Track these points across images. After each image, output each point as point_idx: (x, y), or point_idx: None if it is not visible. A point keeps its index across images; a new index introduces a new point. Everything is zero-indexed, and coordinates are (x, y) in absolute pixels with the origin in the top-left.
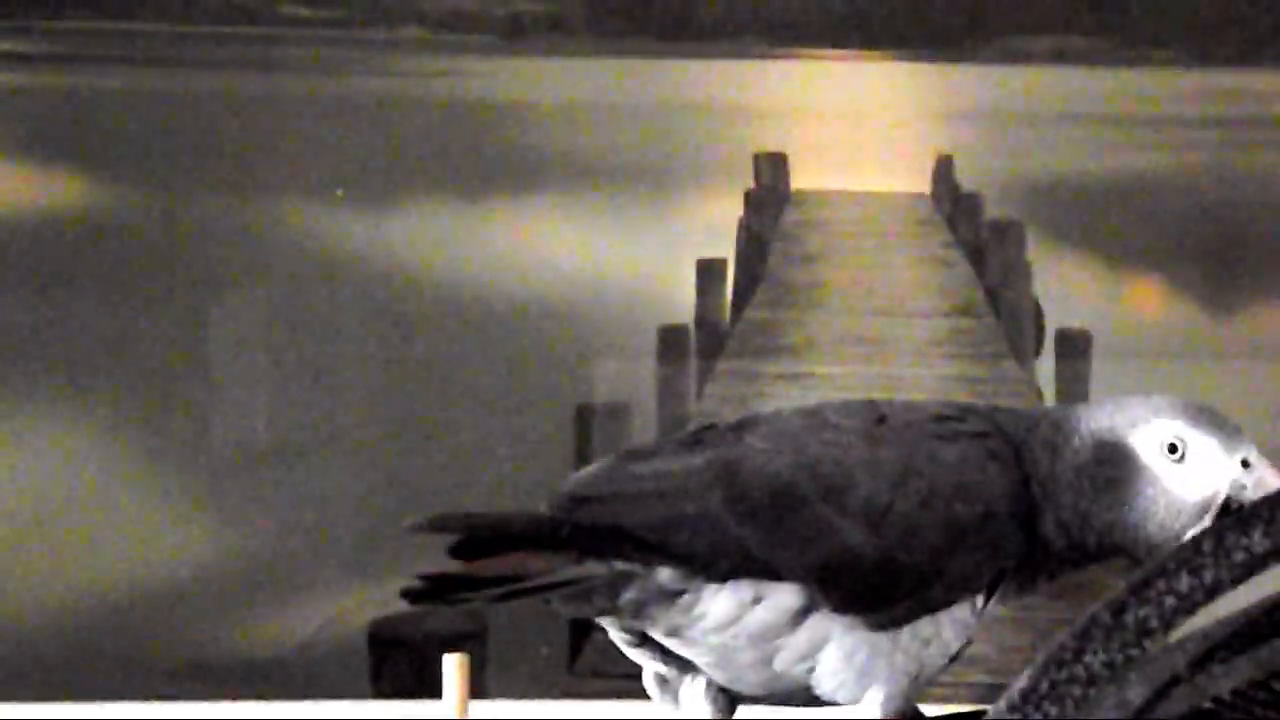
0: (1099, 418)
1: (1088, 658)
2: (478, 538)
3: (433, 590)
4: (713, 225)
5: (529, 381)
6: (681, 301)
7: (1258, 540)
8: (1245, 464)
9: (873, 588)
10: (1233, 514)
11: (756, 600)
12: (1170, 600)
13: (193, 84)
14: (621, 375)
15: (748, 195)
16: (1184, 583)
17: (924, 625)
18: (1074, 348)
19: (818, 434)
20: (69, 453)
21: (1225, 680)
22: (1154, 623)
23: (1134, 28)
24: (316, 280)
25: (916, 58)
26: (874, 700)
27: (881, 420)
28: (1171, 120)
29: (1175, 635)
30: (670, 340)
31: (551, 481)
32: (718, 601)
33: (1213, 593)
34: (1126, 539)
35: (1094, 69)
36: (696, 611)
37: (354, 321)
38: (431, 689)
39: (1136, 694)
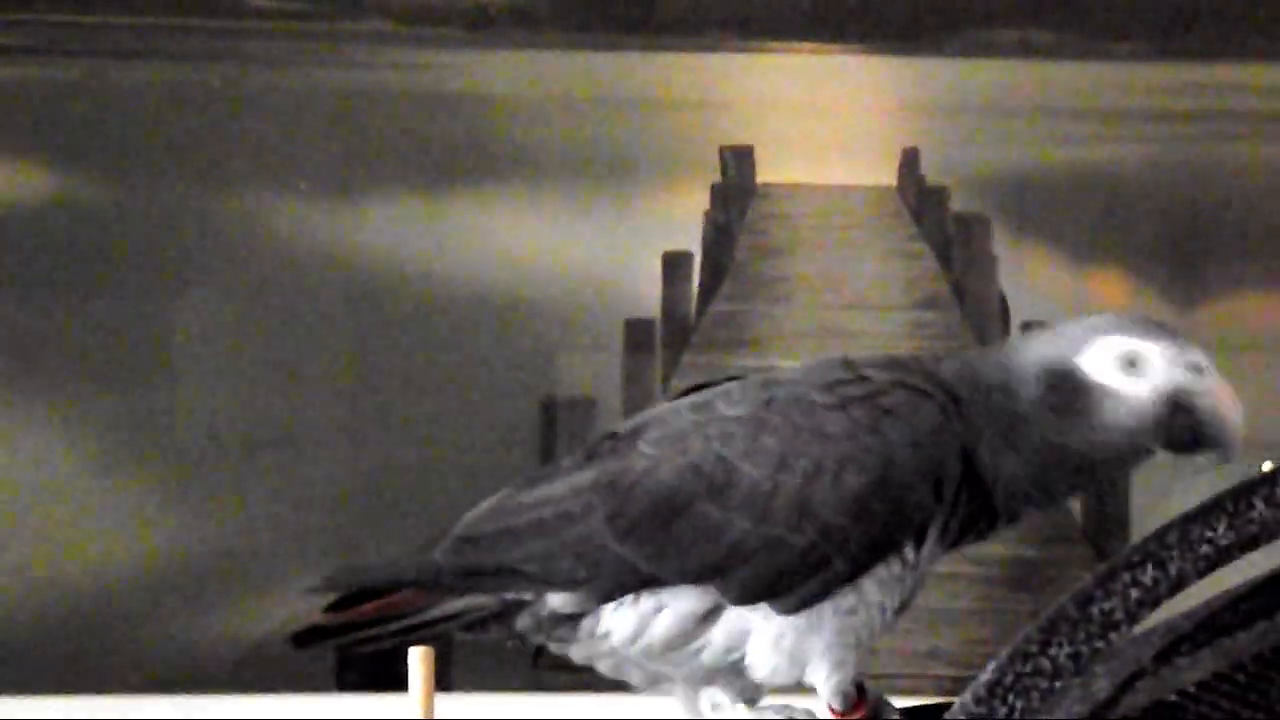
0: (1044, 349)
1: (1053, 650)
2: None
3: (319, 635)
4: (679, 218)
5: (494, 375)
6: (647, 295)
7: (1222, 533)
8: (1195, 368)
9: (770, 576)
10: (1200, 509)
11: (659, 609)
12: (1135, 593)
13: (155, 76)
14: (587, 368)
15: (714, 188)
16: (1149, 575)
17: (844, 598)
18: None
19: (704, 430)
20: (31, 446)
21: (1190, 673)
22: (1119, 615)
23: (1100, 21)
24: (281, 273)
25: (882, 51)
26: (816, 678)
27: (770, 402)
28: (1138, 114)
29: (1140, 628)
30: (636, 333)
31: (516, 474)
32: (618, 619)
33: (1178, 585)
34: (1099, 458)
35: (1060, 62)
36: (599, 631)
37: (319, 314)
38: (397, 683)
39: (1102, 687)
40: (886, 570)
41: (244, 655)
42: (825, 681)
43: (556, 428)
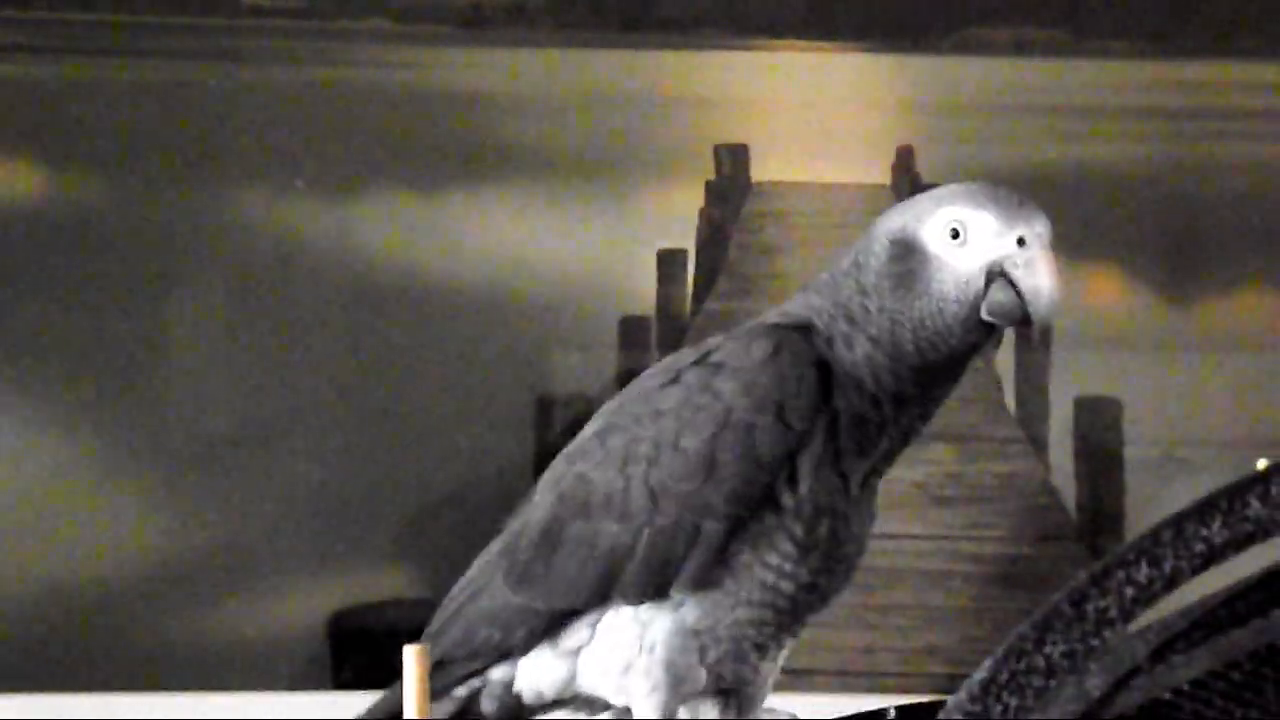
0: (893, 220)
1: (1048, 648)
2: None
3: None
4: (673, 216)
5: (489, 372)
6: (642, 292)
7: (1216, 530)
8: (1021, 242)
9: (656, 564)
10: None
11: (576, 650)
12: (1130, 591)
13: (149, 73)
14: (582, 366)
15: (709, 186)
16: (1143, 573)
17: (690, 607)
18: (1033, 338)
19: (567, 455)
20: (24, 443)
21: (1184, 671)
22: (1114, 613)
23: (1093, 19)
24: (276, 271)
25: (877, 49)
26: (634, 694)
27: (619, 407)
28: (1131, 111)
29: (1135, 626)
30: (631, 331)
31: (511, 472)
32: (539, 672)
33: (1172, 583)
34: (929, 329)
35: (1054, 60)
36: (532, 689)
37: (313, 312)
38: (392, 680)
39: (1096, 685)
40: (762, 524)
41: (239, 653)
42: (644, 699)
43: (552, 425)
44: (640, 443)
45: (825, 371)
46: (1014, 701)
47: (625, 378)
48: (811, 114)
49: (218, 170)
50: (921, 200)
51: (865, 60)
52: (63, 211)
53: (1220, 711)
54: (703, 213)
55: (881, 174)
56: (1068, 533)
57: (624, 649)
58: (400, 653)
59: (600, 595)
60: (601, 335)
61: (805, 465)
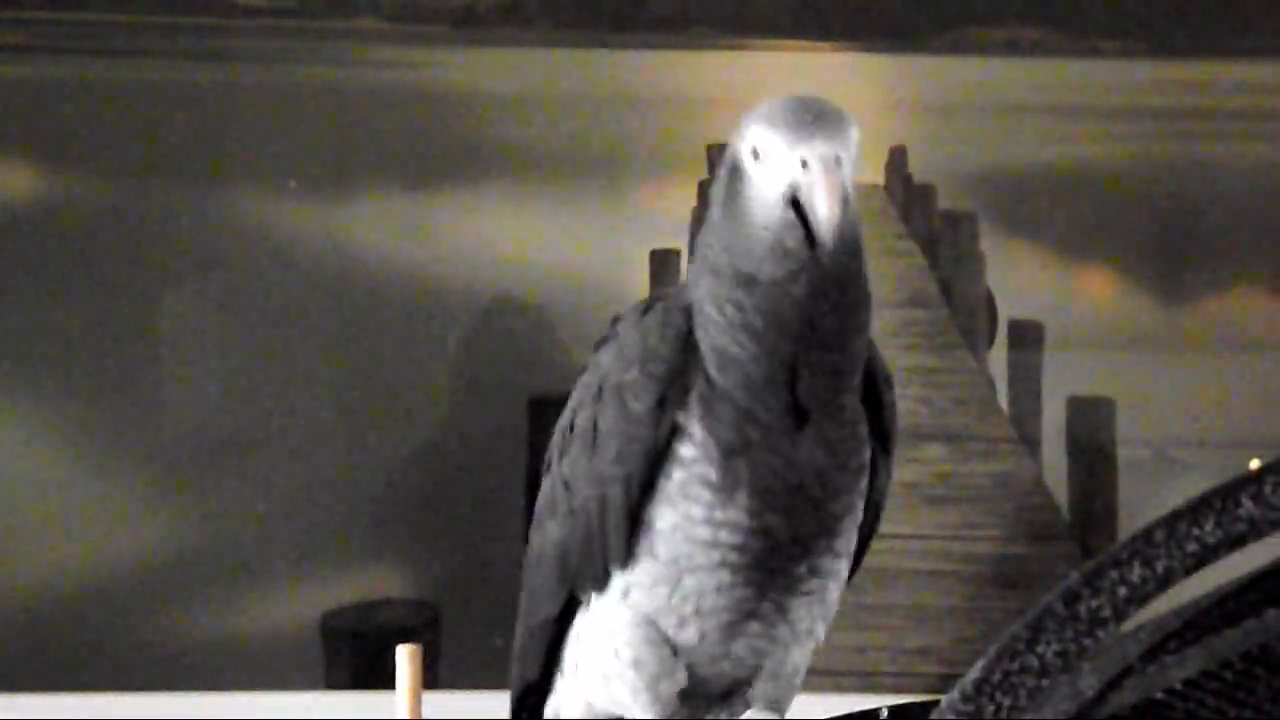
0: (733, 140)
1: (1040, 648)
2: None
3: None
4: (667, 216)
5: (482, 372)
6: (635, 292)
7: (1210, 530)
8: (805, 165)
9: (587, 547)
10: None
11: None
12: (1123, 591)
13: (144, 73)
14: (575, 366)
15: (701, 186)
16: (1136, 573)
17: (607, 607)
18: (1026, 338)
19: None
20: (18, 444)
21: (1177, 671)
22: (1107, 613)
23: (1087, 19)
24: (269, 271)
25: (869, 49)
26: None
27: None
28: (1124, 112)
29: (1128, 625)
30: None
31: (504, 472)
32: (562, 700)
33: (1165, 583)
34: (743, 252)
35: (1047, 60)
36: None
37: (307, 312)
38: (385, 680)
39: (1089, 684)
40: (672, 480)
41: (231, 652)
42: (631, 706)
43: (544, 425)
44: (556, 445)
45: (689, 316)
46: (1007, 701)
47: None
48: None
49: (211, 170)
50: (749, 116)
51: (858, 60)
52: (55, 212)
53: (1213, 711)
54: (695, 212)
55: (875, 173)
56: (1061, 532)
57: (599, 659)
58: (392, 652)
59: (563, 596)
60: (594, 335)
61: (693, 406)
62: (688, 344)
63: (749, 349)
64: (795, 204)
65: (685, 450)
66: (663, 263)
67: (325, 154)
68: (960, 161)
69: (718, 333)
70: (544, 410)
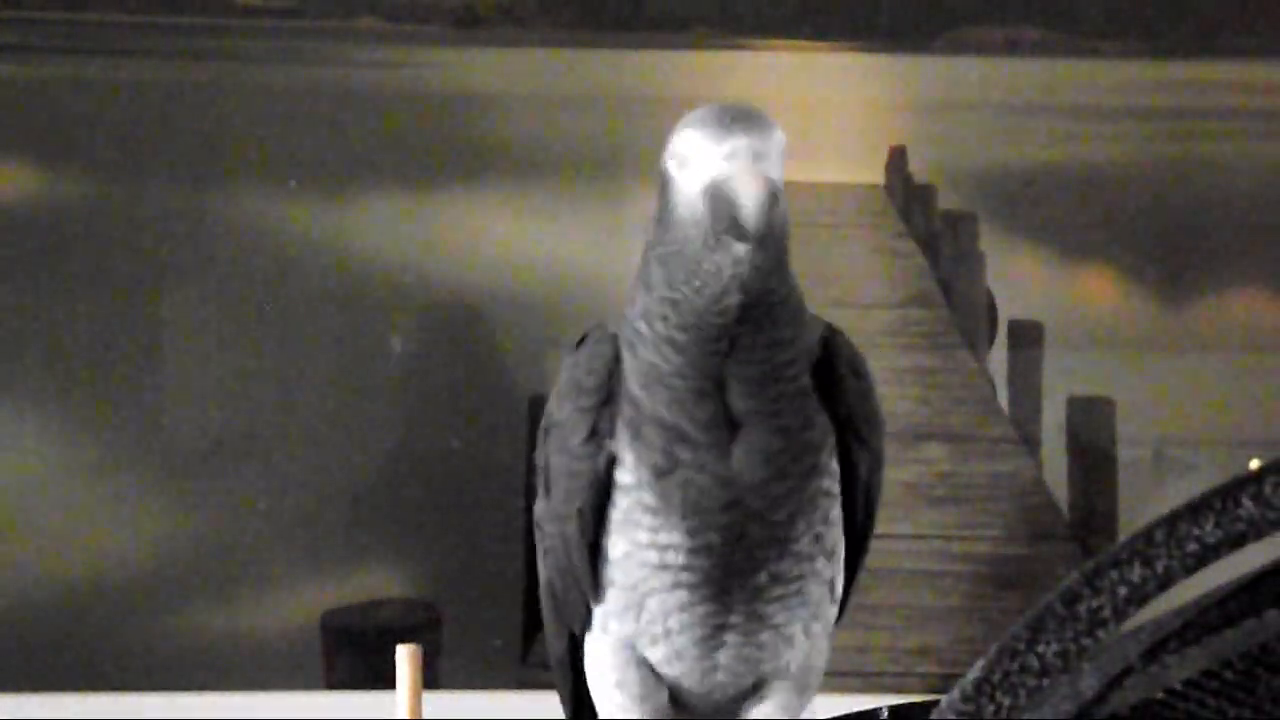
0: (661, 161)
1: (1040, 648)
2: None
3: None
4: None
5: (481, 372)
6: None
7: (1210, 530)
8: (729, 155)
9: (565, 584)
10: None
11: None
12: (1123, 590)
13: (142, 73)
14: None
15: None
16: (1136, 573)
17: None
18: (1026, 338)
19: None
20: (19, 444)
21: (1177, 671)
22: (1107, 613)
23: (1087, 19)
24: (269, 270)
25: (870, 49)
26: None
27: None
28: (1125, 112)
29: (1128, 625)
30: None
31: (504, 472)
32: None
33: (1165, 583)
34: (675, 258)
35: (1047, 60)
36: None
37: (306, 311)
38: (385, 680)
39: (1089, 684)
40: (620, 510)
41: (231, 652)
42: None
43: None
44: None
45: (618, 343)
46: (1007, 701)
47: None
48: (804, 113)
49: (211, 170)
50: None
51: (858, 60)
52: (54, 211)
53: (1213, 711)
54: None
55: (874, 173)
56: (1061, 532)
57: (595, 690)
58: (392, 652)
59: (565, 633)
60: None
61: (621, 432)
62: (614, 371)
63: (674, 362)
64: (719, 197)
65: (623, 477)
66: None
67: (325, 153)
68: (960, 161)
69: (646, 350)
70: (542, 409)
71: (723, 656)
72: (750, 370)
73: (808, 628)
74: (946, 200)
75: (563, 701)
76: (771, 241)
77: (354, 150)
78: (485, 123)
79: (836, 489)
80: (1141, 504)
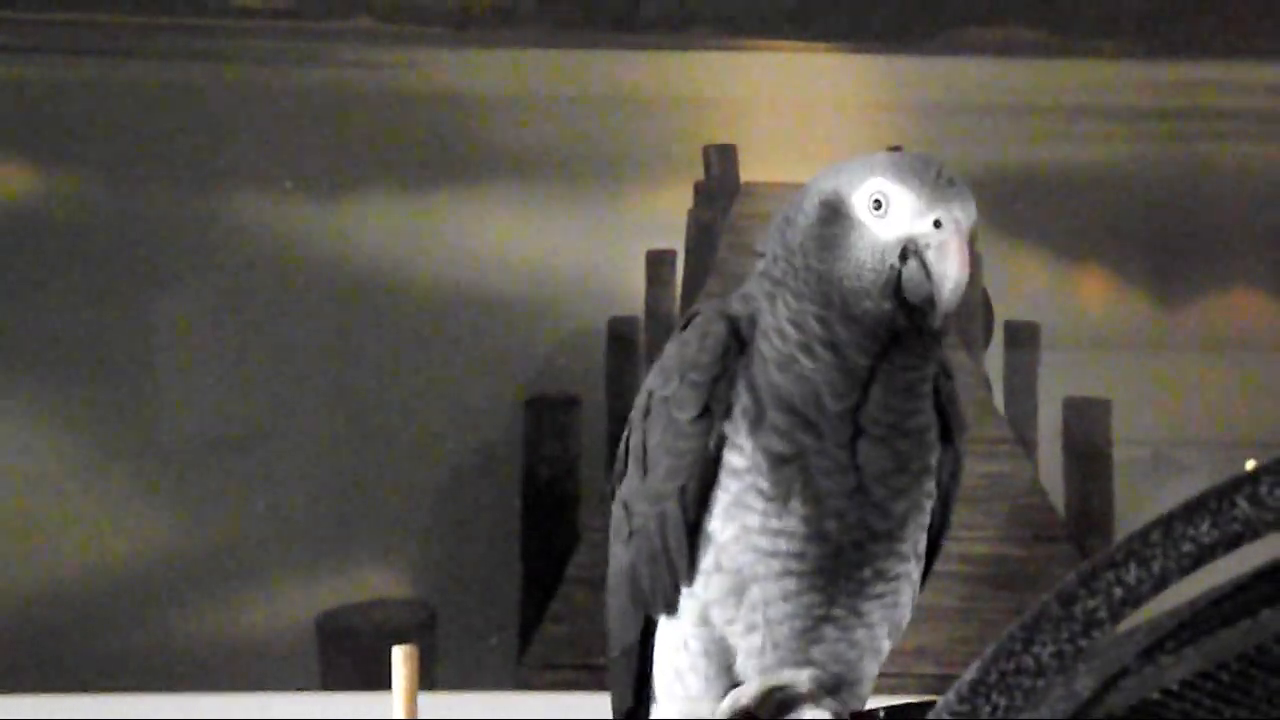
0: (828, 180)
1: (1036, 649)
2: None
3: None
4: (662, 217)
5: (478, 372)
6: (631, 293)
7: (1205, 531)
8: (937, 224)
9: (653, 566)
10: (1185, 514)
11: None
12: (1119, 591)
13: (138, 74)
14: (571, 367)
15: (697, 187)
16: (1132, 574)
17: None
18: (1023, 339)
19: None
20: (13, 443)
21: (1173, 672)
22: (1103, 614)
23: (1083, 19)
24: (266, 272)
25: (866, 49)
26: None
27: None
28: (1121, 112)
29: (1123, 626)
30: (620, 331)
31: (501, 472)
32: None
33: (1161, 584)
34: (847, 288)
35: (1043, 60)
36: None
37: (303, 313)
38: (381, 681)
39: (1085, 685)
40: (728, 493)
41: (227, 652)
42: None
43: (541, 426)
44: (617, 462)
45: (734, 326)
46: (1003, 702)
47: (614, 379)
48: (800, 114)
49: (206, 171)
50: (854, 164)
51: (853, 60)
52: (51, 212)
53: (1209, 712)
54: (691, 214)
55: None
56: (1057, 533)
57: (663, 678)
58: (388, 653)
59: (640, 619)
60: (590, 336)
61: (738, 418)
62: (728, 351)
63: (824, 359)
64: (913, 258)
65: (736, 460)
66: (658, 264)
67: (321, 154)
68: (956, 162)
69: (788, 346)
70: (540, 411)
71: (818, 651)
72: (896, 380)
73: (894, 629)
74: None
75: (620, 692)
76: (953, 314)
77: (350, 151)
78: (482, 123)
79: (934, 494)
80: (1138, 505)
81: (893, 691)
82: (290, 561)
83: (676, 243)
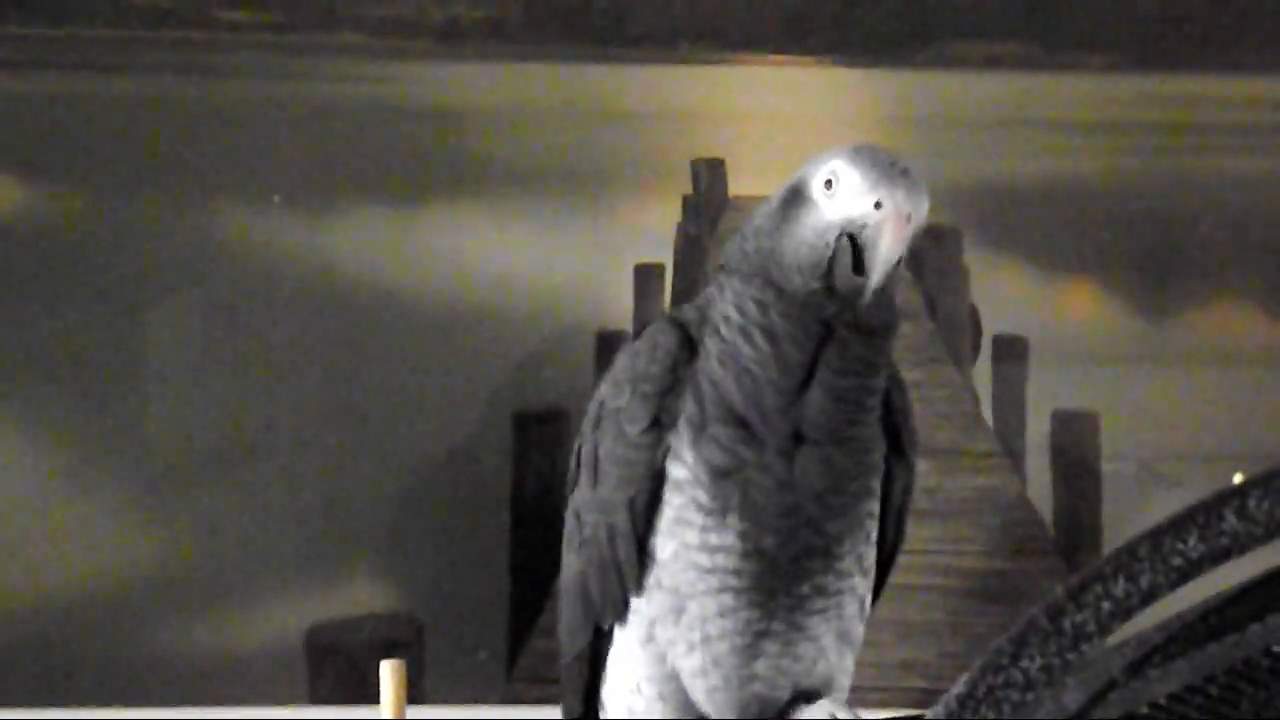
0: (806, 166)
1: (1024, 662)
2: None
3: None
4: (651, 230)
5: (466, 387)
6: (619, 307)
7: (1193, 545)
8: (878, 206)
9: (603, 576)
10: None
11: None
12: (1107, 605)
13: (127, 89)
14: (559, 381)
15: (685, 200)
16: (1120, 588)
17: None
18: (1011, 352)
19: None
20: (2, 460)
21: (1161, 685)
22: (1091, 628)
23: (1070, 33)
24: (253, 286)
25: (853, 63)
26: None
27: None
28: (1108, 125)
29: (1112, 640)
30: (608, 345)
31: (488, 487)
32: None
33: (1149, 598)
34: (785, 264)
35: (1030, 74)
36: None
37: (291, 328)
38: (369, 695)
39: (1073, 699)
40: (672, 507)
41: (217, 667)
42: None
43: (529, 440)
44: (571, 470)
45: (685, 333)
46: (991, 715)
47: None
48: (787, 128)
49: (195, 185)
50: (824, 154)
51: (840, 74)
52: (39, 226)
53: None
54: (679, 227)
55: None
56: (1045, 547)
57: (613, 689)
58: (377, 667)
59: (590, 628)
60: (578, 350)
61: (683, 429)
62: (678, 363)
63: (762, 350)
64: (853, 239)
65: (678, 472)
66: (647, 277)
67: (310, 169)
68: (944, 176)
69: (731, 332)
70: (528, 426)
71: (760, 666)
72: (841, 382)
73: (840, 644)
74: (930, 214)
75: (570, 699)
76: (881, 296)
77: (338, 165)
78: (470, 137)
79: (878, 512)
80: (1126, 519)
81: (881, 706)
82: (279, 576)
83: (665, 256)
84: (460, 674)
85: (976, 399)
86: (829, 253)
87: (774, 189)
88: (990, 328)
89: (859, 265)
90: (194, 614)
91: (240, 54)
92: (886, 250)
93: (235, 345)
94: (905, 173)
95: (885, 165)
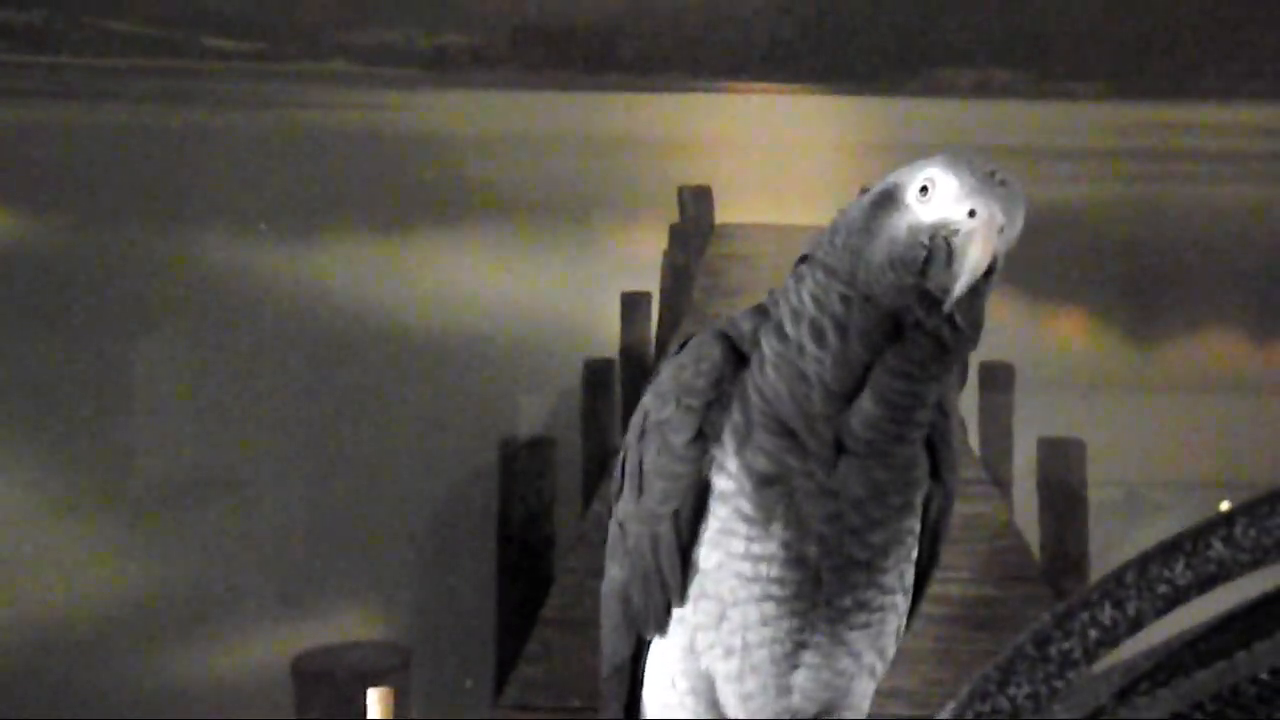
0: (896, 175)
1: (1011, 690)
2: None
3: None
4: (637, 258)
5: (453, 415)
6: (606, 334)
7: (1180, 572)
8: (973, 214)
9: (645, 586)
10: (1158, 547)
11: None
12: (1094, 632)
13: (116, 117)
14: (546, 408)
15: (672, 228)
16: (1107, 615)
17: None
18: (997, 380)
19: None
20: None
21: (1148, 712)
22: (1077, 655)
23: (1056, 62)
24: (240, 314)
25: (840, 91)
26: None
27: None
28: (1093, 153)
29: (1099, 667)
30: (595, 373)
31: (475, 514)
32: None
33: (1136, 625)
34: (875, 263)
35: (1016, 102)
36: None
37: (278, 355)
38: None
39: None
40: (717, 518)
41: (204, 693)
42: None
43: (516, 468)
44: (614, 483)
45: (731, 345)
46: None
47: (589, 419)
48: (775, 156)
49: (181, 213)
50: (921, 161)
51: (829, 103)
52: (25, 255)
53: None
54: (666, 255)
55: None
56: (1031, 574)
57: (654, 698)
58: (364, 695)
59: (632, 637)
60: (565, 377)
61: (727, 439)
62: (723, 376)
63: (830, 345)
64: (944, 248)
65: (723, 483)
66: (633, 305)
67: (297, 197)
68: None
69: (797, 329)
70: (515, 452)
71: (799, 677)
72: (895, 384)
73: (876, 663)
74: None
75: (611, 709)
76: (966, 304)
77: (325, 192)
78: (456, 165)
79: (918, 531)
80: (1113, 545)
81: None
82: (266, 603)
83: (651, 284)
84: (447, 701)
85: (963, 426)
86: (922, 252)
87: (761, 216)
88: (977, 355)
89: (942, 288)
90: (182, 641)
91: (228, 82)
92: (975, 257)
93: (222, 374)
94: (1005, 183)
95: (984, 174)
